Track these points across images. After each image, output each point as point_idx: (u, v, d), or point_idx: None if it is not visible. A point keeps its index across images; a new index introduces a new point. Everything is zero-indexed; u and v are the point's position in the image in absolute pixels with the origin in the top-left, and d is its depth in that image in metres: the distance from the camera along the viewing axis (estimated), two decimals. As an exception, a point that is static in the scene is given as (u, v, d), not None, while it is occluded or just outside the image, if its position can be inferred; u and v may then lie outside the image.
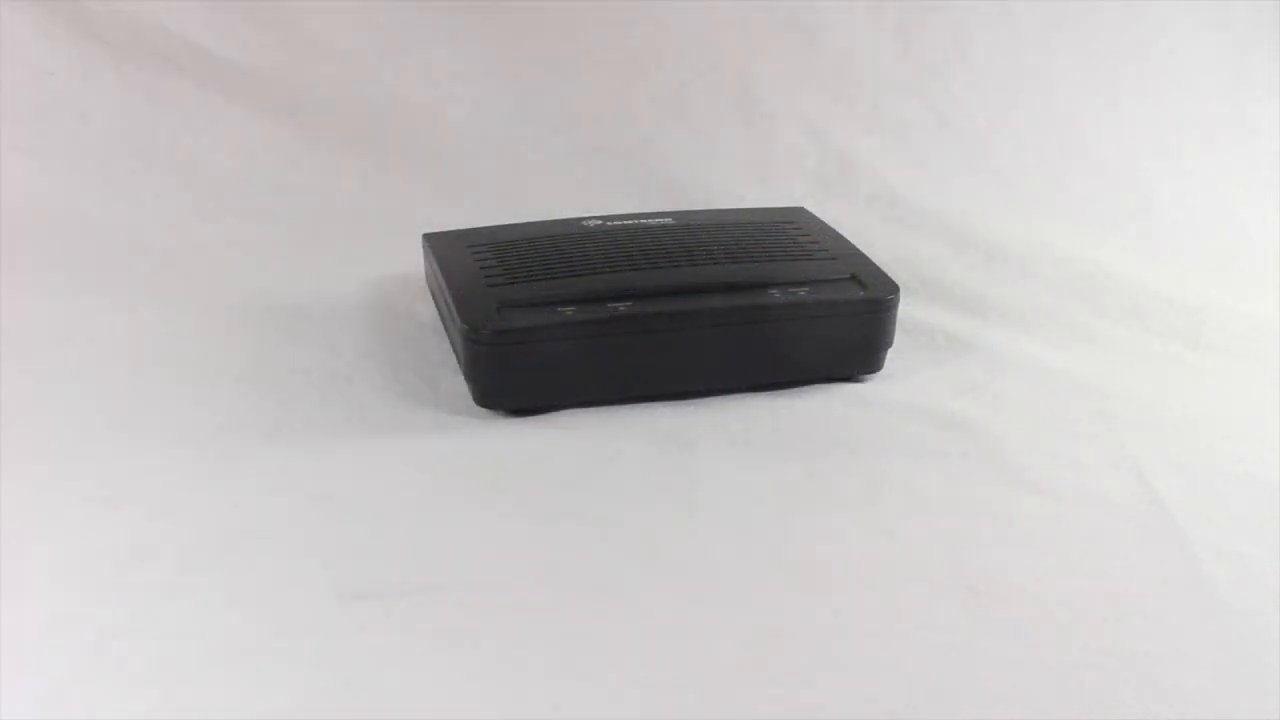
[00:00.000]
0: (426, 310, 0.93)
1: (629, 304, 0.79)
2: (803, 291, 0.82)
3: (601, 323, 0.78)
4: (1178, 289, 0.97)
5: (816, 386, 0.83)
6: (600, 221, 0.92)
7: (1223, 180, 1.11)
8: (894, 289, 0.84)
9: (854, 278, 0.85)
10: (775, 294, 0.81)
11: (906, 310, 0.86)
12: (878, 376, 0.85)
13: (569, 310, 0.78)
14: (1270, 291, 0.98)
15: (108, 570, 0.63)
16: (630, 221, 0.92)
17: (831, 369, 0.84)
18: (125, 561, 0.63)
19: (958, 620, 0.61)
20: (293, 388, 0.82)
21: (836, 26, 1.18)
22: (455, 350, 0.83)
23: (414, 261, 0.95)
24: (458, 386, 0.82)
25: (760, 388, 0.82)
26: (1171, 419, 0.81)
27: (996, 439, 0.77)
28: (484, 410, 0.79)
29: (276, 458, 0.74)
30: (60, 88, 1.10)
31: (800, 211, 0.98)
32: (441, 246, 0.90)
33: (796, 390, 0.83)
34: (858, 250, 0.89)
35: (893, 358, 0.86)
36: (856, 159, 1.14)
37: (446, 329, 0.87)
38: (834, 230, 0.93)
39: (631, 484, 0.72)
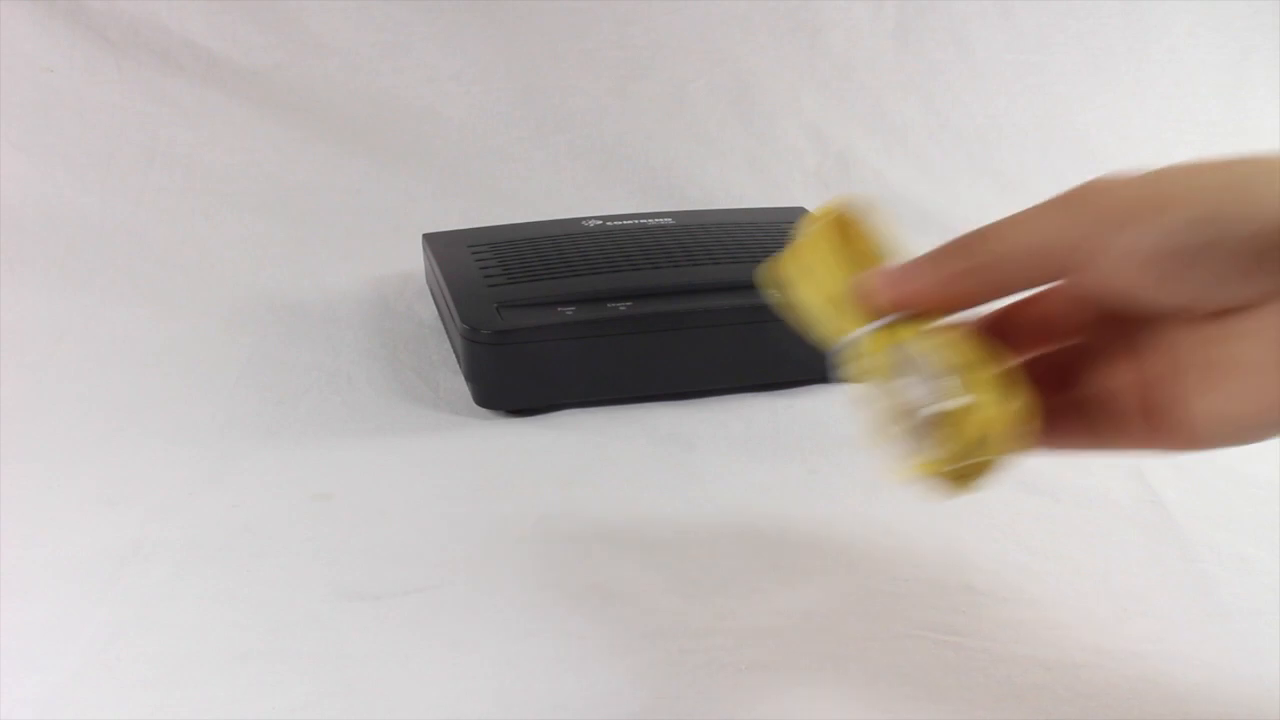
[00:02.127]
0: (426, 310, 0.93)
1: (629, 304, 0.79)
2: (803, 291, 0.82)
3: (601, 323, 0.78)
4: (1178, 289, 0.97)
5: (816, 386, 0.83)
6: (600, 221, 0.92)
7: (1223, 180, 1.11)
8: (894, 289, 0.84)
9: (854, 278, 0.85)
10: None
11: (906, 310, 0.86)
12: (878, 376, 0.85)
13: (569, 310, 0.78)
14: (1270, 292, 0.98)
15: (108, 570, 0.63)
16: (630, 221, 0.92)
17: (831, 369, 0.84)
18: (125, 561, 0.63)
19: (958, 620, 0.61)
20: (293, 388, 0.82)
21: (836, 26, 1.18)
22: (455, 350, 0.83)
23: (414, 261, 0.95)
24: (458, 386, 0.82)
25: (760, 388, 0.82)
26: (1171, 419, 0.81)
27: (996, 439, 0.77)
28: (484, 410, 0.79)
29: (276, 458, 0.74)
30: (60, 85, 1.10)
31: (800, 211, 0.98)
32: (441, 246, 0.90)
33: (796, 390, 0.83)
34: (858, 250, 0.89)
35: (893, 358, 0.86)
36: (856, 159, 1.14)
37: (446, 329, 0.87)
38: (834, 230, 0.93)
39: (631, 484, 0.72)
